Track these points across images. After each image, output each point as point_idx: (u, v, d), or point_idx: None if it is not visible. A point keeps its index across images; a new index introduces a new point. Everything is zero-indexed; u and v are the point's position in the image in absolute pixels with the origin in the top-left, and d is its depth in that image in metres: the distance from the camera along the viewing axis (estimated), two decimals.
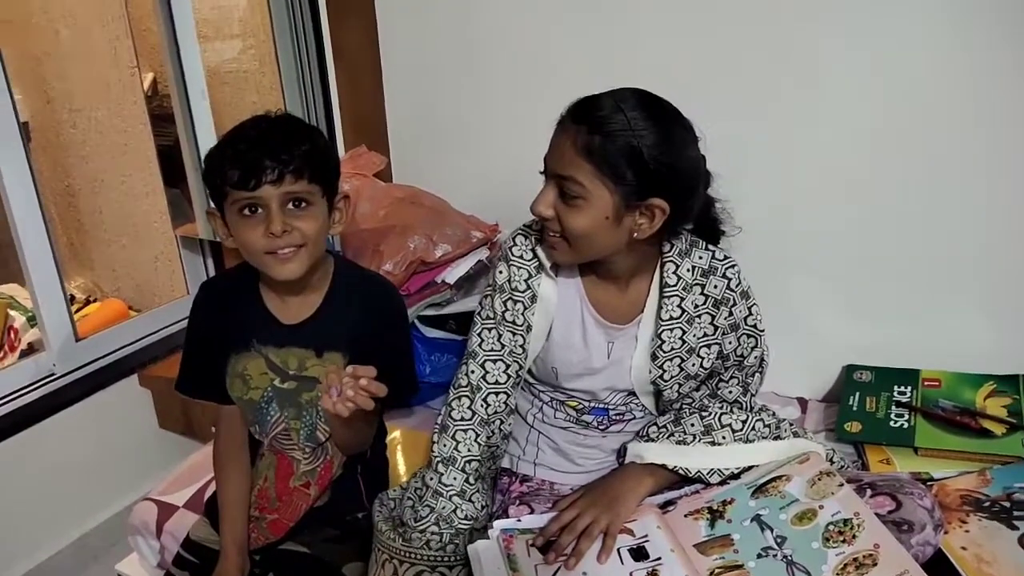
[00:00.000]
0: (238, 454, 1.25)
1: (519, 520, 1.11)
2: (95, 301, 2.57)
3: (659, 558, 1.01)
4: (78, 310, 2.37)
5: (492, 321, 1.17)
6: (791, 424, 1.20)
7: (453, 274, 1.73)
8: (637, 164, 0.99)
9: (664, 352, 1.13)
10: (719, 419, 1.17)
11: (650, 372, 1.16)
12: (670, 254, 1.12)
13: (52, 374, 1.85)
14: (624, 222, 1.03)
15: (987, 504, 1.20)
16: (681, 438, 1.16)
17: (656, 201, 1.02)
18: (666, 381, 1.15)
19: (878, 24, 1.45)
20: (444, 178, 1.96)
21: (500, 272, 1.17)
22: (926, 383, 1.53)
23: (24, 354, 2.15)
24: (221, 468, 1.25)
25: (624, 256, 1.10)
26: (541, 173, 1.11)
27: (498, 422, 1.18)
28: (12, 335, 2.25)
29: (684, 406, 1.20)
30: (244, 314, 1.18)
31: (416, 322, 1.70)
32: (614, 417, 1.22)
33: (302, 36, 2.11)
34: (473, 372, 1.17)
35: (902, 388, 1.53)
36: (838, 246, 1.60)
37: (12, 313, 2.28)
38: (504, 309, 1.16)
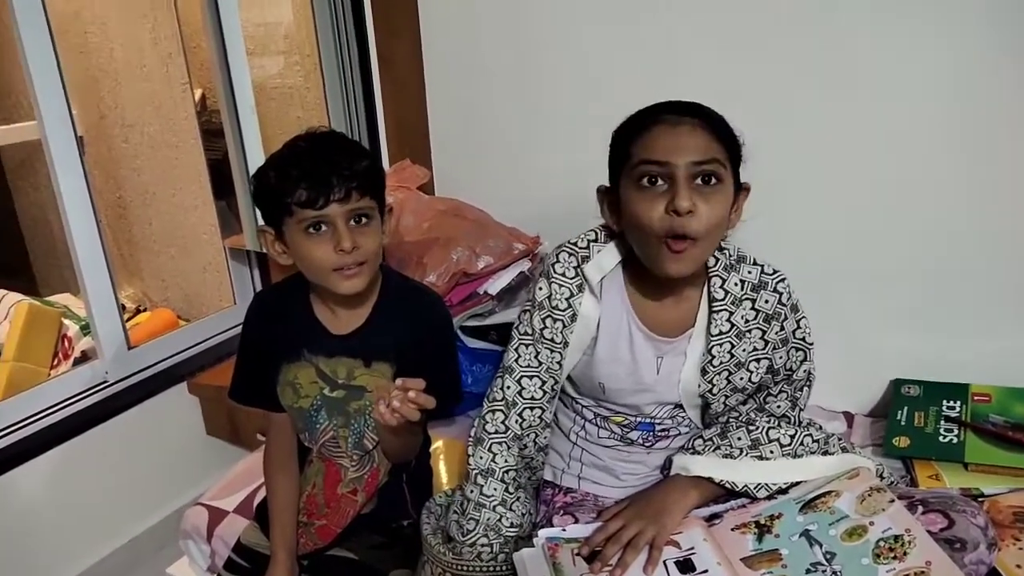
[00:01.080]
0: (288, 461, 1.27)
1: (564, 529, 1.12)
2: (145, 311, 2.64)
3: (706, 571, 1.00)
4: (129, 319, 2.43)
5: (530, 338, 1.17)
6: (840, 439, 1.19)
7: (495, 285, 1.74)
8: (738, 151, 1.05)
9: (714, 367, 1.13)
10: (767, 433, 1.16)
11: (699, 386, 1.15)
12: (716, 268, 1.12)
13: (105, 381, 1.90)
14: (730, 214, 1.06)
15: None
16: (728, 452, 1.15)
17: (745, 185, 1.08)
18: (714, 395, 1.15)
19: (932, 29, 1.44)
20: (486, 191, 1.98)
21: (540, 289, 1.16)
22: (976, 398, 1.51)
23: (78, 362, 2.21)
24: (271, 475, 1.28)
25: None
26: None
27: (533, 435, 1.18)
28: (66, 343, 2.32)
29: (731, 420, 1.19)
30: (295, 325, 1.20)
31: (458, 332, 1.72)
32: (659, 433, 1.21)
33: (347, 51, 2.15)
34: (509, 388, 1.17)
35: (951, 403, 1.50)
36: (885, 258, 1.58)
37: (66, 322, 2.35)
38: (543, 327, 1.15)
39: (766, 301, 1.12)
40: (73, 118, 1.74)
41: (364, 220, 1.10)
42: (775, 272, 1.14)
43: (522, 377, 1.16)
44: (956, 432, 1.42)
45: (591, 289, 1.13)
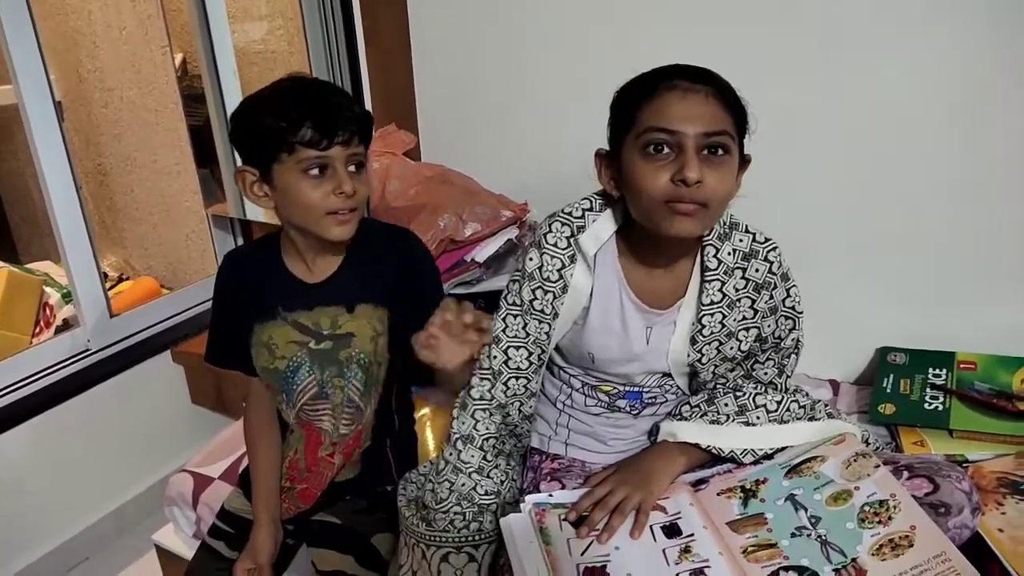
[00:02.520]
0: (268, 427, 1.27)
1: (551, 495, 1.12)
2: (127, 279, 2.61)
3: (692, 535, 1.00)
4: (111, 288, 2.41)
5: (518, 308, 1.15)
6: (826, 405, 1.19)
7: (483, 253, 1.73)
8: (746, 122, 1.03)
9: (704, 337, 1.12)
10: (753, 400, 1.16)
11: (688, 355, 1.14)
12: (710, 238, 1.10)
13: (87, 350, 1.88)
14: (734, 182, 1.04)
15: (1023, 487, 1.19)
16: (714, 418, 1.14)
17: (747, 157, 1.06)
18: (703, 364, 1.14)
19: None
20: (473, 157, 1.96)
21: (531, 259, 1.13)
22: (961, 365, 1.51)
23: (60, 330, 2.19)
24: (252, 442, 1.27)
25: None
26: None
27: (518, 404, 1.17)
28: (48, 311, 2.29)
29: (718, 386, 1.19)
30: (268, 282, 1.18)
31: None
32: (647, 400, 1.21)
33: (331, 14, 2.11)
34: (495, 357, 1.15)
35: (937, 371, 1.51)
36: (871, 227, 1.58)
37: (47, 290, 2.32)
38: (532, 298, 1.13)
39: (756, 270, 1.11)
40: (51, 82, 1.70)
41: (361, 168, 1.10)
42: (766, 240, 1.13)
43: (509, 347, 1.15)
44: (941, 399, 1.43)
45: (585, 261, 1.12)
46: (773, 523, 1.01)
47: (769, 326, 1.14)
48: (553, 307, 1.12)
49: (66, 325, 2.19)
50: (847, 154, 1.56)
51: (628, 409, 1.21)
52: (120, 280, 2.61)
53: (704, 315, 1.11)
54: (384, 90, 2.10)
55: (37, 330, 2.27)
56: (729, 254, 1.10)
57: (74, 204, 1.78)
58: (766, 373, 1.19)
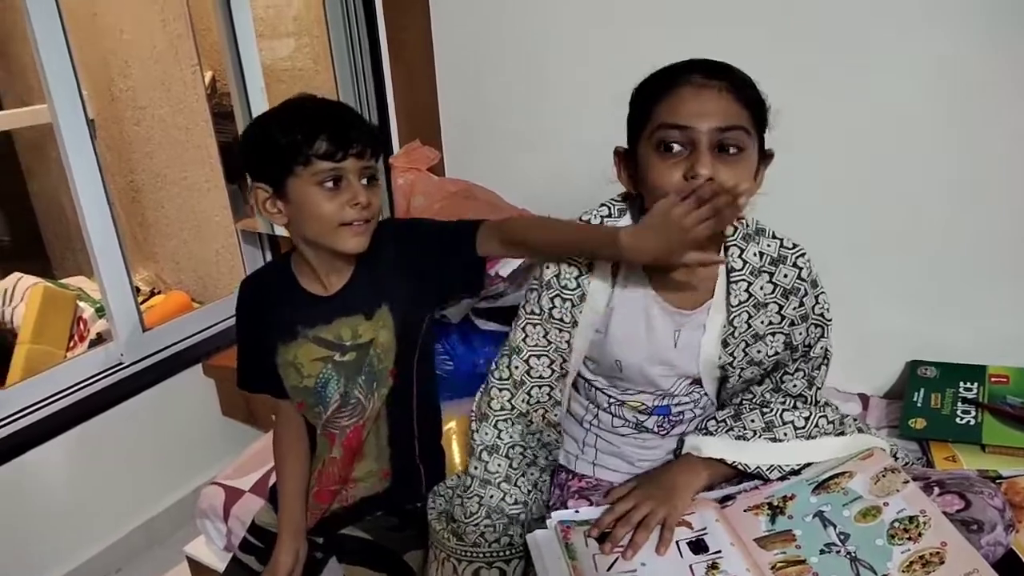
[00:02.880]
0: (296, 445, 1.27)
1: (577, 511, 1.11)
2: (159, 293, 2.66)
3: (719, 551, 1.00)
4: (143, 302, 2.45)
5: (537, 317, 1.14)
6: (855, 420, 1.18)
7: (507, 267, 1.73)
8: (764, 116, 1.01)
9: (735, 339, 1.10)
10: (781, 416, 1.14)
11: (719, 358, 1.12)
12: (734, 238, 1.09)
13: (120, 363, 1.91)
14: (752, 179, 1.02)
15: None
16: (741, 433, 1.13)
17: (769, 152, 1.04)
18: (734, 367, 1.12)
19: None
20: (497, 172, 1.97)
21: (548, 267, 1.13)
22: (993, 379, 1.49)
23: (93, 344, 2.23)
24: (281, 458, 1.28)
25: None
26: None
27: (541, 411, 1.17)
28: (82, 326, 2.34)
29: (745, 402, 1.17)
30: (285, 302, 1.19)
31: (470, 315, 1.72)
32: (675, 417, 1.19)
33: (356, 32, 2.14)
34: (517, 367, 1.16)
35: (968, 384, 1.49)
36: (902, 240, 1.56)
37: (81, 304, 2.37)
38: (551, 306, 1.12)
39: (784, 276, 1.09)
40: (84, 101, 1.74)
41: (374, 181, 1.12)
42: (795, 246, 1.11)
43: (530, 356, 1.15)
44: (973, 414, 1.41)
45: (600, 267, 1.11)
46: (802, 540, 1.00)
47: (800, 334, 1.12)
48: (572, 315, 1.12)
49: (99, 339, 2.23)
50: (880, 165, 1.54)
51: (656, 429, 1.20)
52: (152, 294, 2.65)
53: (734, 316, 1.09)
54: (409, 106, 2.13)
55: (71, 344, 2.32)
56: (755, 255, 1.09)
57: (107, 220, 1.82)
58: (795, 385, 1.16)
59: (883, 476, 1.05)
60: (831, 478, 1.07)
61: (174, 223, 2.59)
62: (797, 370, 1.16)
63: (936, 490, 1.04)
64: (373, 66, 2.15)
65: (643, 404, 1.18)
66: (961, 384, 1.49)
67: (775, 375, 1.17)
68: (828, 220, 1.57)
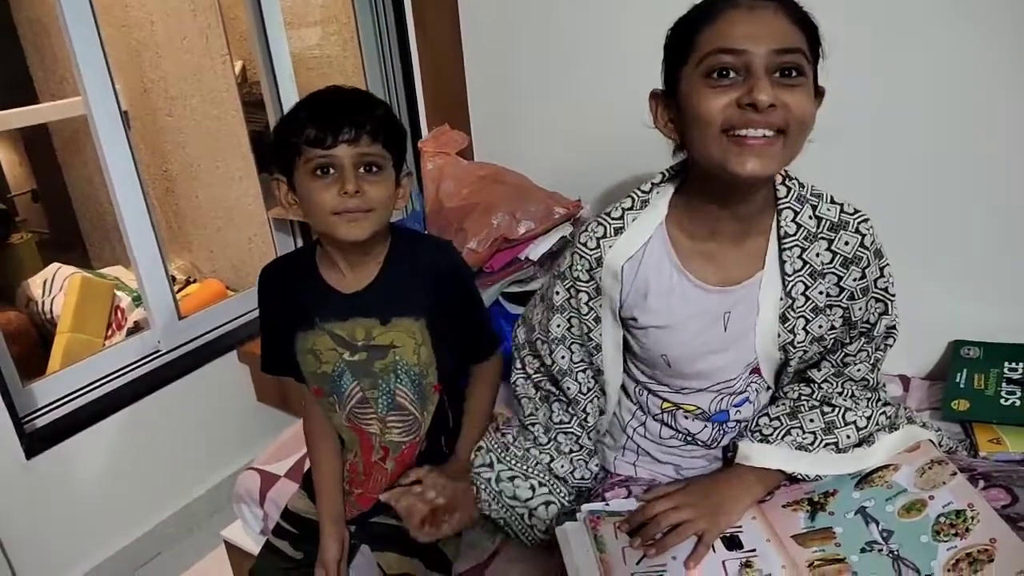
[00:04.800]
0: (329, 431, 1.28)
1: (607, 504, 1.10)
2: (194, 282, 2.69)
3: (754, 549, 0.96)
4: (179, 290, 2.48)
5: (555, 308, 1.11)
6: (906, 408, 1.12)
7: (536, 251, 1.73)
8: (819, 43, 0.91)
9: (794, 312, 1.01)
10: (843, 416, 1.05)
11: (779, 335, 1.02)
12: (787, 199, 0.99)
13: (157, 351, 1.94)
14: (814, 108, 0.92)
15: None
16: (801, 442, 1.04)
17: (820, 89, 0.93)
18: (795, 346, 1.02)
19: None
20: (526, 155, 1.95)
21: (564, 257, 1.09)
22: None
23: (131, 332, 2.27)
24: (313, 445, 1.29)
25: (761, 190, 0.97)
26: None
27: (594, 399, 1.14)
28: (119, 315, 2.38)
29: (803, 397, 1.08)
30: (305, 292, 1.19)
31: (500, 299, 1.71)
32: (730, 427, 1.11)
33: (383, 19, 2.13)
34: (563, 357, 1.11)
35: (1013, 364, 1.44)
36: (943, 217, 1.52)
37: (119, 294, 2.41)
38: (568, 296, 1.08)
39: (845, 243, 0.99)
40: (117, 92, 1.75)
41: (374, 169, 1.07)
42: (856, 212, 1.01)
43: (538, 340, 1.15)
44: (1019, 394, 1.36)
45: (610, 268, 1.05)
46: (842, 537, 0.96)
47: (860, 309, 1.03)
48: (590, 307, 1.07)
49: (137, 327, 2.27)
50: (921, 139, 1.49)
51: (707, 441, 1.12)
52: (187, 283, 2.69)
53: (791, 287, 1.00)
54: (437, 91, 2.12)
55: (109, 333, 2.36)
56: (810, 219, 0.99)
57: (142, 210, 1.84)
58: (859, 369, 1.07)
59: (929, 468, 1.00)
60: (875, 471, 1.03)
61: (207, 212, 2.61)
62: (860, 351, 1.07)
63: (981, 483, 0.99)
64: (401, 52, 2.14)
65: (699, 408, 1.09)
66: (1006, 364, 1.44)
67: (834, 356, 1.08)
68: (864, 199, 1.53)
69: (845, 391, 1.07)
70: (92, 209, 2.90)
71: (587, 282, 1.06)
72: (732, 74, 0.87)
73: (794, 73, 0.87)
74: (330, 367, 1.19)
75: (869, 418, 1.06)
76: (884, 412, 1.07)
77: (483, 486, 1.17)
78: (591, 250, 1.05)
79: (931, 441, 1.07)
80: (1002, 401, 1.36)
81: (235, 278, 2.65)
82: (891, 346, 1.10)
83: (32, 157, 3.02)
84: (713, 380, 1.07)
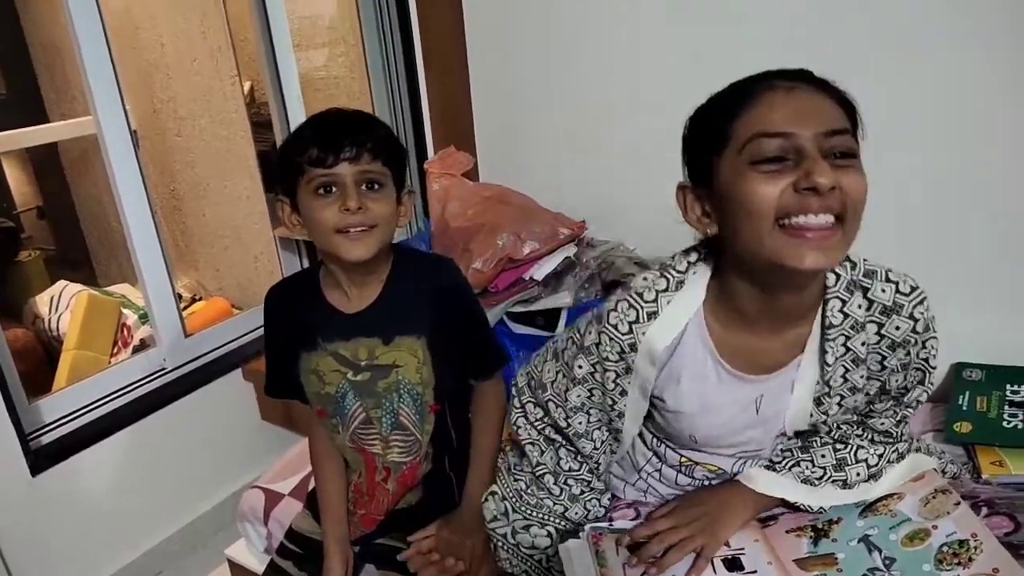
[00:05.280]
0: (334, 451, 1.28)
1: (611, 523, 1.10)
2: (200, 300, 2.71)
3: (755, 571, 0.96)
4: (185, 308, 2.50)
5: (575, 382, 1.04)
6: (914, 438, 1.10)
7: (541, 271, 1.74)
8: (857, 118, 0.87)
9: (830, 397, 0.96)
10: (855, 453, 1.03)
11: (811, 415, 0.98)
12: (835, 288, 0.92)
13: (163, 368, 1.96)
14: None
15: None
16: (808, 476, 1.03)
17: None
18: (827, 423, 1.00)
19: None
20: (531, 176, 1.97)
21: (589, 333, 1.00)
22: None
23: (136, 350, 2.28)
24: (318, 466, 1.30)
25: (815, 284, 0.92)
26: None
27: (607, 450, 1.10)
28: (125, 332, 2.39)
29: (819, 434, 1.05)
30: (308, 313, 1.19)
31: (504, 318, 1.72)
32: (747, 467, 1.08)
33: (391, 40, 2.17)
34: (576, 422, 1.06)
35: (1015, 387, 1.44)
36: (944, 238, 1.53)
37: (125, 311, 2.42)
38: (591, 371, 1.02)
39: (896, 328, 0.92)
40: (127, 112, 1.78)
41: (376, 187, 1.08)
42: (913, 290, 0.93)
43: (549, 401, 1.08)
44: (1021, 417, 1.37)
45: (649, 355, 0.97)
46: (844, 563, 0.96)
47: (897, 380, 0.98)
48: (617, 384, 1.00)
49: (143, 345, 2.28)
50: (921, 160, 1.51)
51: (720, 480, 1.09)
52: (193, 301, 2.70)
53: (829, 376, 0.94)
54: (443, 112, 2.14)
55: (115, 350, 2.37)
56: (859, 307, 0.92)
57: (150, 229, 1.86)
58: (883, 423, 1.03)
59: (933, 498, 0.99)
60: (879, 500, 1.03)
61: (214, 231, 2.63)
62: (887, 410, 1.03)
63: (984, 510, 0.98)
64: (408, 73, 2.17)
65: (721, 469, 1.07)
66: (1008, 387, 1.45)
67: (862, 411, 1.05)
68: (872, 219, 1.53)
69: (865, 434, 1.05)
70: (100, 227, 2.92)
71: (617, 362, 0.99)
72: (782, 160, 0.81)
73: (846, 155, 0.82)
74: (333, 388, 1.19)
75: (881, 456, 1.04)
76: (896, 449, 1.06)
77: (500, 543, 1.15)
78: (623, 334, 0.97)
79: (935, 470, 1.06)
80: (1004, 424, 1.36)
81: (241, 296, 2.66)
82: (922, 402, 1.04)
83: (39, 175, 3.04)
84: (739, 450, 1.05)
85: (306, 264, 2.39)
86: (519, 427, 1.14)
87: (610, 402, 1.02)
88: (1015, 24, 1.37)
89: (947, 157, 1.49)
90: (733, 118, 0.85)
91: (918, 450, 1.10)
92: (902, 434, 1.06)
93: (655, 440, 1.09)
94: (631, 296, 0.97)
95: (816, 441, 1.04)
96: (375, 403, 1.19)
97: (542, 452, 1.12)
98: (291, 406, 2.04)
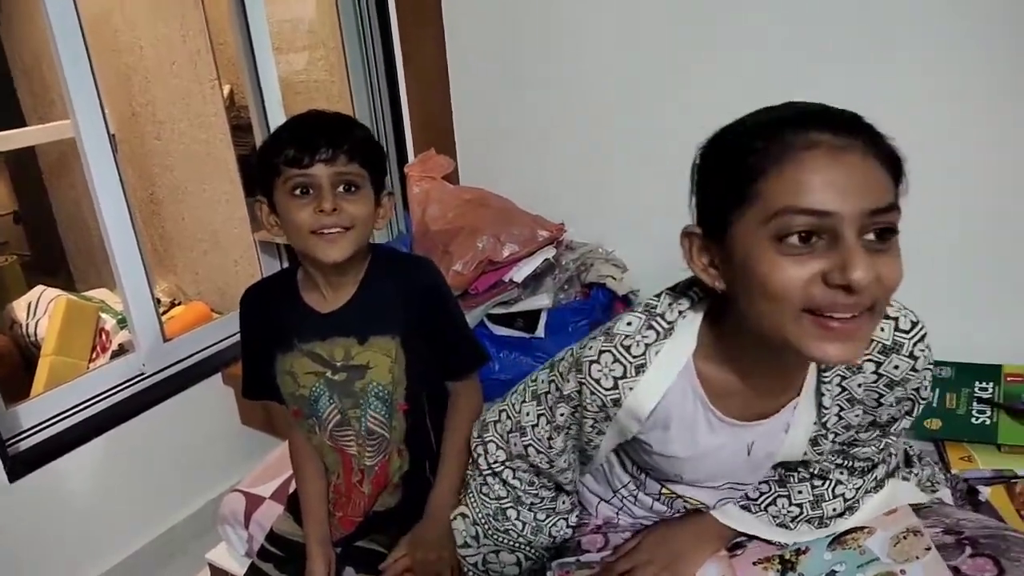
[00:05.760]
0: (313, 452, 1.29)
1: (578, 560, 1.09)
2: (179, 304, 2.69)
3: None
4: (164, 313, 2.48)
5: (548, 426, 1.00)
6: (893, 456, 1.06)
7: (520, 273, 1.75)
8: (902, 176, 0.75)
9: (826, 438, 0.93)
10: (833, 489, 1.00)
11: (805, 454, 0.95)
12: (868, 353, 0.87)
13: (142, 374, 1.94)
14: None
15: None
16: (783, 520, 1.01)
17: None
18: (819, 461, 0.97)
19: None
20: (510, 179, 1.99)
21: (568, 382, 0.94)
22: (1009, 378, 1.48)
23: (115, 355, 2.27)
24: (299, 467, 1.30)
25: None
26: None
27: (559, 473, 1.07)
28: (104, 337, 2.38)
29: (798, 468, 1.01)
30: (284, 313, 1.20)
31: (485, 320, 1.73)
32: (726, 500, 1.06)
33: (371, 44, 2.17)
34: (515, 444, 1.06)
35: (983, 384, 1.48)
36: (914, 240, 1.56)
37: (103, 316, 2.41)
38: (571, 422, 0.98)
39: (895, 367, 0.86)
40: (105, 116, 1.77)
41: (352, 188, 1.09)
42: (913, 327, 0.87)
43: (530, 446, 1.04)
44: (989, 413, 1.40)
45: (635, 414, 0.91)
46: None
47: (889, 414, 0.94)
48: (595, 427, 0.96)
49: (121, 350, 2.27)
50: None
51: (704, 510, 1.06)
52: (172, 305, 2.69)
53: (826, 418, 0.91)
54: (423, 116, 2.15)
55: (94, 355, 2.36)
56: None
57: (128, 233, 1.85)
58: (865, 451, 0.99)
59: (904, 538, 0.97)
60: (849, 532, 1.02)
61: (194, 235, 2.62)
62: (873, 438, 0.98)
63: (968, 550, 0.92)
64: (388, 77, 2.18)
65: (703, 503, 1.03)
66: (976, 384, 1.48)
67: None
68: None
69: (844, 463, 1.01)
70: (78, 232, 2.90)
71: (596, 413, 0.93)
72: (814, 239, 0.70)
73: (890, 235, 0.71)
74: (307, 390, 1.20)
75: (859, 488, 1.01)
76: (875, 476, 1.02)
77: (471, 572, 1.16)
78: (607, 390, 0.90)
79: (907, 508, 1.03)
80: (973, 420, 1.40)
81: (220, 301, 2.65)
82: (906, 429, 1.00)
83: (16, 179, 3.02)
84: (726, 486, 1.01)
85: (286, 266, 2.39)
86: (479, 455, 1.13)
87: (586, 440, 0.99)
88: (1016, 25, 1.39)
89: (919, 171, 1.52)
90: (759, 173, 0.72)
91: (897, 469, 1.07)
92: (882, 459, 1.03)
93: (636, 468, 1.05)
94: (616, 349, 0.89)
95: (794, 476, 1.01)
96: (353, 403, 1.20)
97: (503, 483, 1.11)
98: (270, 409, 2.04)
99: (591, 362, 0.90)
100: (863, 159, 0.70)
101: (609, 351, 0.89)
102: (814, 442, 0.93)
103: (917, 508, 1.04)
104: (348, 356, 1.17)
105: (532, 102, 1.93)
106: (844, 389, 0.89)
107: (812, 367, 0.89)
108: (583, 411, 0.94)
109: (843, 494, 1.01)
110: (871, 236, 0.70)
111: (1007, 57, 1.40)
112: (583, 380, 0.91)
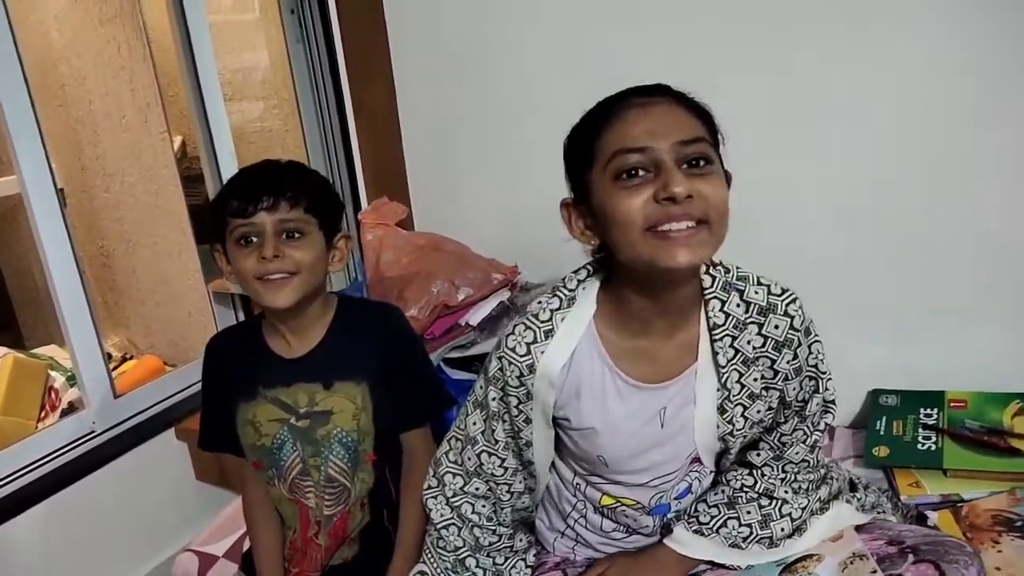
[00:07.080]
0: (269, 507, 1.27)
1: None
2: (131, 358, 2.64)
3: None
4: (115, 367, 2.43)
5: (482, 411, 1.07)
6: (834, 480, 1.14)
7: (476, 316, 1.77)
8: (716, 129, 0.93)
9: (731, 403, 1.00)
10: (779, 509, 1.06)
11: (718, 427, 1.01)
12: (712, 289, 0.98)
13: (92, 431, 1.89)
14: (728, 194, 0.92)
15: (1019, 524, 1.20)
16: (735, 540, 1.06)
17: (727, 173, 0.93)
18: (735, 435, 1.02)
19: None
20: (464, 224, 2.01)
21: (491, 362, 1.04)
22: (952, 404, 1.53)
23: (65, 413, 2.21)
24: (253, 523, 1.28)
25: (690, 281, 0.98)
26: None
27: (505, 491, 1.10)
28: (53, 395, 2.31)
29: (745, 488, 1.08)
30: (249, 360, 1.20)
31: (441, 364, 1.73)
32: (672, 517, 1.11)
33: (323, 93, 2.20)
34: (470, 459, 1.09)
35: (928, 410, 1.52)
36: (857, 270, 1.61)
37: (52, 374, 2.35)
38: (498, 403, 1.05)
39: (775, 326, 0.98)
40: (53, 171, 1.75)
41: (296, 235, 1.11)
42: (784, 292, 1.00)
43: (482, 452, 1.08)
44: (934, 439, 1.44)
45: (547, 375, 1.00)
46: None
47: (793, 389, 1.02)
48: (520, 411, 1.03)
49: (71, 408, 2.21)
50: (832, 198, 1.59)
51: (651, 532, 1.12)
52: (124, 360, 2.63)
53: (725, 378, 0.99)
54: (376, 164, 2.17)
55: (43, 414, 2.29)
56: (738, 306, 0.98)
57: (77, 288, 1.82)
58: (797, 452, 1.06)
59: (851, 563, 1.01)
60: (799, 560, 1.05)
61: (145, 287, 2.59)
62: (795, 430, 1.06)
63: (911, 557, 0.99)
64: (341, 125, 2.20)
65: (639, 503, 1.08)
66: (921, 410, 1.53)
67: (771, 437, 1.07)
68: (788, 252, 1.58)
69: (787, 476, 1.08)
70: (25, 287, 2.84)
71: (518, 388, 1.02)
72: (641, 172, 0.88)
73: (703, 162, 0.88)
74: (269, 440, 1.19)
75: (804, 508, 1.07)
76: (820, 497, 1.09)
77: None
78: (521, 356, 1.00)
79: (852, 532, 1.08)
80: (919, 446, 1.44)
81: (173, 353, 2.60)
82: (829, 424, 1.10)
83: None
84: (653, 475, 1.06)
85: (241, 318, 2.36)
86: (431, 509, 1.13)
87: (516, 429, 1.05)
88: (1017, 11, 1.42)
89: (858, 197, 1.57)
90: (596, 137, 0.92)
91: (840, 492, 1.13)
92: (819, 464, 1.10)
93: (576, 480, 1.11)
94: (527, 319, 1.02)
95: (742, 497, 1.08)
96: (314, 451, 1.19)
97: (458, 531, 1.11)
98: (226, 464, 2.00)
99: (507, 335, 1.02)
100: (669, 107, 0.90)
101: (522, 322, 1.02)
102: (721, 410, 1.00)
103: (861, 525, 1.10)
104: (312, 402, 1.17)
105: (482, 148, 1.97)
106: (737, 351, 0.98)
107: (703, 331, 0.99)
108: (507, 389, 1.02)
109: (790, 514, 1.07)
110: (687, 165, 0.87)
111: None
112: (502, 355, 1.02)
